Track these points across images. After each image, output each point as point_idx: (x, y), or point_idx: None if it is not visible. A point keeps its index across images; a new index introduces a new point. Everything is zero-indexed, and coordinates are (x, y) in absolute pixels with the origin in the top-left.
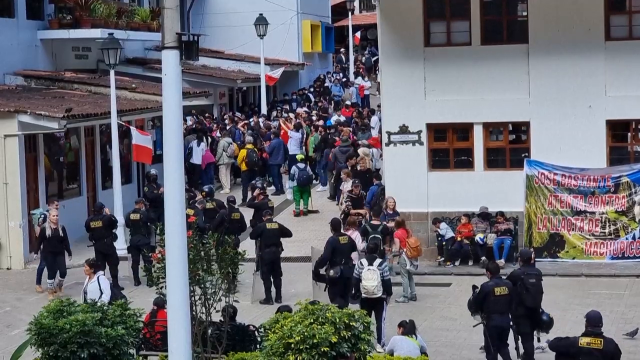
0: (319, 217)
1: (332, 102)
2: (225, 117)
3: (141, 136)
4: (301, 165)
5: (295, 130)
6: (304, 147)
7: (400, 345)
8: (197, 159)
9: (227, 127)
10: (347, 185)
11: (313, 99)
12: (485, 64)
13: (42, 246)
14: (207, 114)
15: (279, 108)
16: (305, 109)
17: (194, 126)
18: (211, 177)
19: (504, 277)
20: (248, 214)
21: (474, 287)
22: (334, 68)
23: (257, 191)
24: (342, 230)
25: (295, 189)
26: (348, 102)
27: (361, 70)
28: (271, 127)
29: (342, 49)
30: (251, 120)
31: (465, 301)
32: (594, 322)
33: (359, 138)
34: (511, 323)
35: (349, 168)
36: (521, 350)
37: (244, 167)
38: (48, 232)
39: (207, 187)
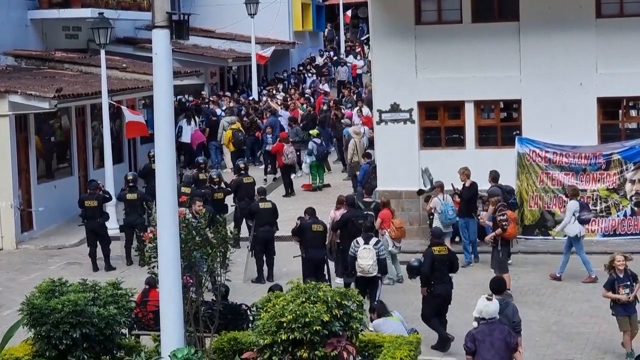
0: (313, 196)
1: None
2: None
3: (132, 115)
4: (317, 141)
5: (285, 109)
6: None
7: (384, 327)
8: (186, 137)
9: (230, 106)
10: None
11: (309, 80)
12: (477, 42)
13: None
14: (212, 94)
15: (267, 89)
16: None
17: (187, 105)
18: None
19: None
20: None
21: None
22: (324, 46)
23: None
24: (334, 210)
25: (313, 164)
26: (326, 89)
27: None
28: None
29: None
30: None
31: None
32: (437, 235)
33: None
34: (326, 257)
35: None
36: (336, 282)
37: (231, 147)
38: None
39: (201, 158)
